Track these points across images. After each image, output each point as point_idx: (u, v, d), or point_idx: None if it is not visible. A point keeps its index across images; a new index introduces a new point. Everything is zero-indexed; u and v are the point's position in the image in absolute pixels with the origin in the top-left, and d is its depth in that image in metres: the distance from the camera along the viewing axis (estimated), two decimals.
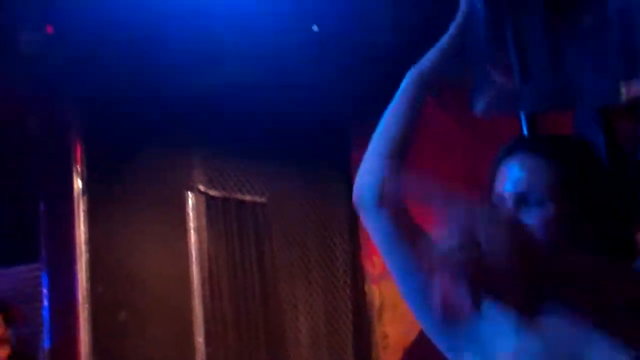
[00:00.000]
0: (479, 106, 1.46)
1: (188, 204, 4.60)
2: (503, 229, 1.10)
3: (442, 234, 1.15)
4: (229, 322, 4.61)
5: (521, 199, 1.20)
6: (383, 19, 3.83)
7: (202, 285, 4.52)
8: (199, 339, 4.46)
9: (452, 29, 1.43)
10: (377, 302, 5.27)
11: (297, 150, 5.09)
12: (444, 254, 1.15)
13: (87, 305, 4.08)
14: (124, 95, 4.08)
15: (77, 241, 4.12)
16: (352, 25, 3.96)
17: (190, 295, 4.49)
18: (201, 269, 4.55)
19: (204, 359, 4.46)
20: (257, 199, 4.99)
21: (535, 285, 1.15)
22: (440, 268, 1.22)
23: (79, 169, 4.17)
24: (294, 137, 4.99)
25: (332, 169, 5.39)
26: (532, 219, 1.18)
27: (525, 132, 2.20)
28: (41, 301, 4.22)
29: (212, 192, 4.74)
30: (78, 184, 4.17)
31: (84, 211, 4.15)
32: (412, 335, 4.83)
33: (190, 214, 4.60)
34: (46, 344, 4.14)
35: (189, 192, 4.63)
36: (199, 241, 4.58)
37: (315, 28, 3.95)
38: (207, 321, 4.49)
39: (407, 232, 1.32)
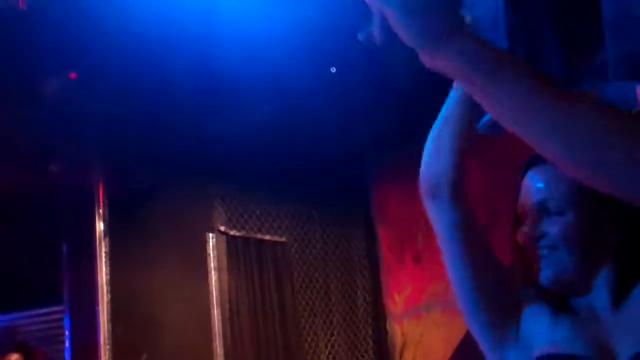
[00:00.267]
0: (485, 123, 1.49)
1: (209, 244, 4.62)
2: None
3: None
4: None
5: (542, 208, 1.23)
6: (400, 57, 3.87)
7: (223, 325, 4.51)
8: None
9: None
10: (399, 341, 5.22)
11: (317, 189, 5.11)
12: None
13: (108, 347, 4.08)
14: (145, 139, 4.13)
15: (99, 283, 4.15)
16: (370, 65, 3.99)
17: (211, 336, 4.48)
18: (222, 309, 4.54)
19: None
20: (277, 238, 5.00)
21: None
22: (495, 268, 1.30)
23: (101, 212, 4.22)
24: (314, 177, 5.00)
25: (351, 208, 5.39)
26: (553, 226, 1.21)
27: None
28: (63, 343, 4.23)
29: (233, 232, 4.75)
30: (100, 226, 4.20)
31: (105, 253, 4.18)
32: None
33: (211, 254, 4.61)
34: None
35: (210, 233, 4.65)
36: (220, 281, 4.58)
37: (333, 70, 3.99)
38: None
39: (471, 225, 1.34)
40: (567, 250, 1.20)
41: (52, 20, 3.20)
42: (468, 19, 1.46)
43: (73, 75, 3.60)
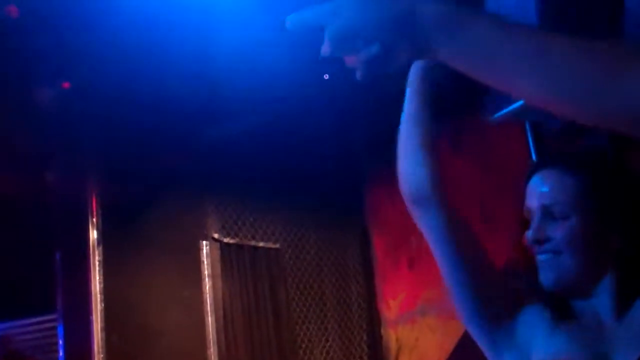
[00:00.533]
0: (492, 111, 1.49)
1: (202, 251, 4.62)
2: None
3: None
4: None
5: (547, 212, 1.24)
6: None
7: (217, 333, 4.50)
8: None
9: None
10: (393, 346, 5.22)
11: (311, 196, 5.11)
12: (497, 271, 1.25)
13: (102, 355, 4.07)
14: (138, 147, 4.13)
15: (93, 291, 4.13)
16: None
17: (205, 343, 4.47)
18: (216, 316, 4.53)
19: None
20: (271, 245, 5.00)
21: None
22: (489, 270, 1.30)
23: (95, 220, 4.21)
24: (307, 184, 5.01)
25: (345, 214, 5.40)
26: (557, 231, 1.21)
27: (531, 143, 2.24)
28: (57, 352, 4.21)
29: (226, 239, 4.75)
30: (93, 234, 4.19)
31: (99, 261, 4.17)
32: None
33: (205, 261, 4.61)
34: None
35: (203, 240, 4.64)
36: (214, 288, 4.58)
37: (325, 76, 4.00)
38: None
39: (460, 226, 1.32)
40: (571, 255, 1.20)
41: (46, 28, 3.20)
42: None
43: (66, 84, 3.60)
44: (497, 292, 1.31)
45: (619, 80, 0.76)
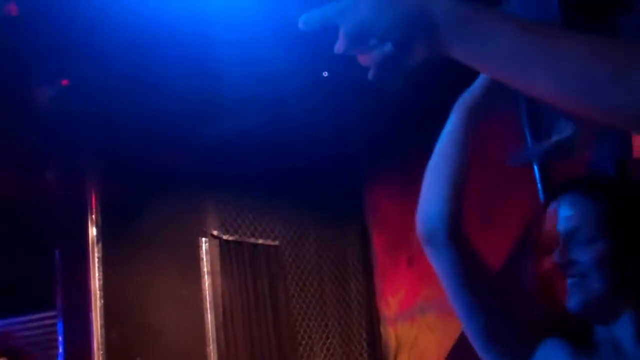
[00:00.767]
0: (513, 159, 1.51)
1: (202, 248, 4.62)
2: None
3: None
4: None
5: (573, 236, 1.24)
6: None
7: (217, 329, 4.51)
8: None
9: None
10: (392, 344, 5.22)
11: (310, 193, 5.11)
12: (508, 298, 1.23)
13: (101, 352, 4.07)
14: (137, 144, 4.13)
15: (92, 288, 4.14)
16: (362, 71, 4.00)
17: (204, 340, 4.48)
18: (215, 313, 4.54)
19: None
20: (271, 242, 5.00)
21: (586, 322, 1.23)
22: (504, 311, 1.29)
23: (94, 218, 4.21)
24: (307, 181, 5.01)
25: (345, 212, 5.40)
26: (584, 255, 1.22)
27: (538, 179, 2.25)
28: (57, 348, 4.22)
29: (226, 237, 4.76)
30: (93, 231, 4.20)
31: (98, 258, 4.17)
32: None
33: (204, 258, 4.61)
34: None
35: (203, 237, 4.65)
36: (213, 285, 4.58)
37: (325, 74, 4.00)
38: None
39: (475, 267, 1.31)
40: (597, 279, 1.20)
41: (45, 26, 3.19)
42: None
43: (65, 82, 3.60)
44: (515, 332, 1.30)
45: (629, 77, 0.76)
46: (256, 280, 4.81)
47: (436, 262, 1.32)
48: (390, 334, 5.24)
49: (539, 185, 2.25)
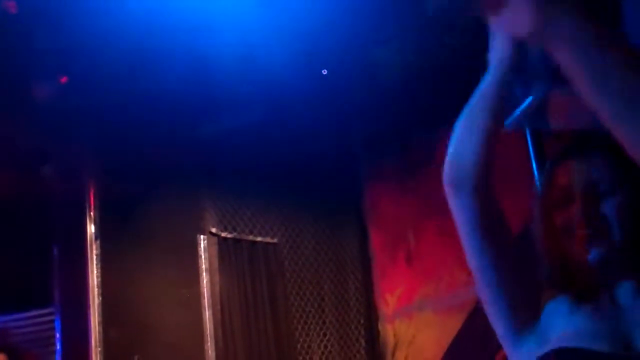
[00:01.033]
0: (514, 119, 1.52)
1: (200, 246, 4.62)
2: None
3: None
4: None
5: (594, 189, 1.25)
6: (392, 63, 3.88)
7: (215, 327, 4.51)
8: None
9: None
10: (391, 341, 5.23)
11: (309, 190, 5.11)
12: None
13: (99, 349, 4.07)
14: (136, 142, 4.13)
15: (90, 285, 4.14)
16: (362, 69, 4.00)
17: (202, 337, 4.48)
18: (214, 311, 4.54)
19: None
20: (269, 239, 5.00)
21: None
22: (521, 266, 1.30)
23: (92, 214, 4.21)
24: (305, 178, 5.01)
25: (344, 209, 5.40)
26: (605, 208, 1.23)
27: (530, 148, 2.26)
28: (54, 345, 4.22)
29: (224, 234, 4.75)
30: (91, 228, 4.19)
31: (96, 255, 4.17)
32: None
33: (202, 256, 4.61)
34: None
35: (201, 235, 4.64)
36: (211, 283, 4.58)
37: (324, 71, 4.00)
38: None
39: (496, 221, 1.31)
40: (620, 230, 1.22)
41: (44, 23, 3.19)
42: None
43: (64, 79, 3.59)
44: (525, 283, 1.31)
45: None
46: (254, 278, 4.81)
47: (459, 210, 1.32)
48: (388, 331, 5.24)
49: (531, 151, 2.25)
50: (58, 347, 4.20)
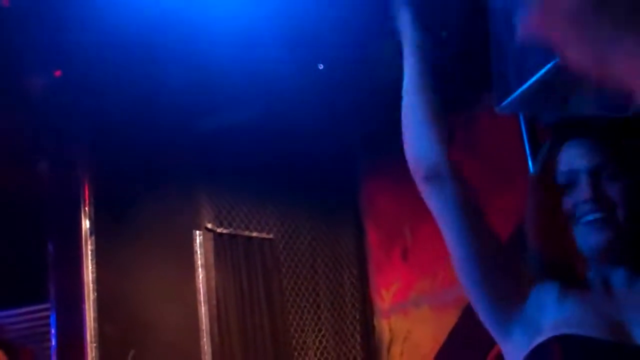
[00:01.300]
0: (500, 103, 1.52)
1: (196, 241, 4.61)
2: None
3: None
4: (237, 359, 4.57)
5: (596, 174, 1.25)
6: (389, 59, 3.87)
7: (211, 323, 4.50)
8: None
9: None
10: (386, 337, 5.23)
11: (305, 186, 5.10)
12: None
13: (95, 345, 4.07)
14: (131, 137, 4.12)
15: (85, 281, 4.12)
16: (358, 65, 3.99)
17: (198, 333, 4.47)
18: (209, 306, 4.53)
19: None
20: (265, 235, 5.00)
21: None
22: (498, 246, 1.29)
23: (87, 210, 4.19)
24: (302, 174, 5.00)
25: (340, 205, 5.39)
26: (610, 190, 1.23)
27: (524, 135, 2.26)
28: (50, 341, 4.21)
29: (220, 230, 4.74)
30: (86, 224, 4.18)
31: (91, 251, 4.16)
32: None
33: (198, 251, 4.60)
34: None
35: (197, 230, 4.63)
36: (207, 278, 4.57)
37: (320, 66, 3.99)
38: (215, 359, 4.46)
39: (473, 201, 1.30)
40: (624, 215, 1.22)
41: (37, 17, 3.17)
42: None
43: (58, 73, 3.58)
44: (506, 268, 1.29)
45: None
46: (250, 274, 4.81)
47: (435, 202, 1.31)
48: (384, 326, 5.25)
49: (525, 137, 2.25)
50: (53, 342, 4.19)
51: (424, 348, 4.86)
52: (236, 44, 3.64)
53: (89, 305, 4.10)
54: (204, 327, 4.48)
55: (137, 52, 3.54)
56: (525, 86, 1.65)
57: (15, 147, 3.97)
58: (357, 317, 5.34)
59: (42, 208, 4.24)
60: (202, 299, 4.52)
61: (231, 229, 4.82)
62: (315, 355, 5.13)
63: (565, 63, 0.86)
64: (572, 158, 1.27)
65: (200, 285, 4.53)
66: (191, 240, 4.60)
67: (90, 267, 4.14)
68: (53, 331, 4.21)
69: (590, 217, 1.23)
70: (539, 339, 1.21)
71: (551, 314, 1.24)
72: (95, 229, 4.18)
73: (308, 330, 5.13)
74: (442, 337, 4.63)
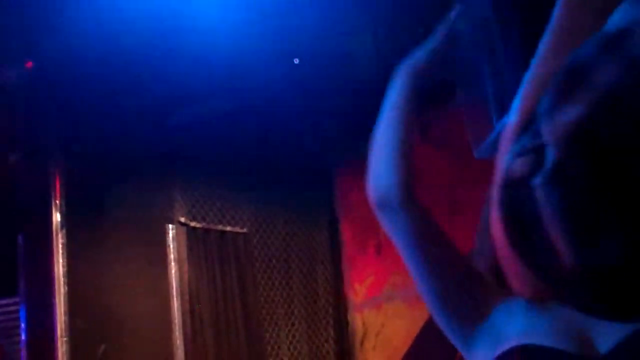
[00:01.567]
0: (480, 148, 1.51)
1: (169, 235, 4.58)
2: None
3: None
4: (210, 354, 4.56)
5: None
6: (365, 54, 3.88)
7: (183, 317, 4.48)
8: None
9: (439, 35, 1.44)
10: (359, 331, 5.25)
11: (280, 181, 5.10)
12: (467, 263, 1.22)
13: (65, 339, 4.03)
14: (103, 129, 4.08)
15: (56, 275, 4.08)
16: (334, 59, 3.99)
17: (171, 328, 4.45)
18: (182, 301, 4.51)
19: None
20: (239, 229, 4.98)
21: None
22: (461, 275, 1.27)
23: (58, 203, 4.14)
24: (276, 168, 5.00)
25: (314, 200, 5.40)
26: None
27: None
28: (19, 335, 4.17)
29: (193, 224, 4.72)
30: (57, 217, 4.13)
31: (62, 245, 4.11)
32: None
33: (171, 245, 4.57)
34: None
35: (170, 224, 4.61)
36: (180, 273, 4.55)
37: (296, 60, 3.98)
38: (188, 354, 4.45)
39: (431, 232, 1.28)
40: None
41: (10, 5, 3.12)
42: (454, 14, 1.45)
43: (30, 64, 3.53)
44: (469, 291, 1.27)
45: None
46: (224, 268, 4.79)
47: (390, 227, 1.31)
48: (357, 320, 5.27)
49: None
50: (23, 337, 4.15)
51: (397, 342, 4.89)
52: (210, 36, 3.61)
53: (60, 300, 4.06)
54: (176, 321, 4.46)
55: (110, 43, 3.50)
56: (495, 133, 1.66)
57: None
58: (331, 311, 5.35)
59: (13, 200, 4.19)
60: (174, 293, 4.50)
61: (205, 223, 4.80)
62: (289, 349, 5.13)
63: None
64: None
65: (173, 280, 4.51)
66: (164, 234, 4.57)
67: (61, 261, 4.09)
68: (23, 325, 4.16)
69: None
70: (502, 348, 1.21)
71: (518, 323, 1.22)
72: (66, 222, 4.14)
73: (281, 324, 5.14)
74: (415, 331, 4.66)
